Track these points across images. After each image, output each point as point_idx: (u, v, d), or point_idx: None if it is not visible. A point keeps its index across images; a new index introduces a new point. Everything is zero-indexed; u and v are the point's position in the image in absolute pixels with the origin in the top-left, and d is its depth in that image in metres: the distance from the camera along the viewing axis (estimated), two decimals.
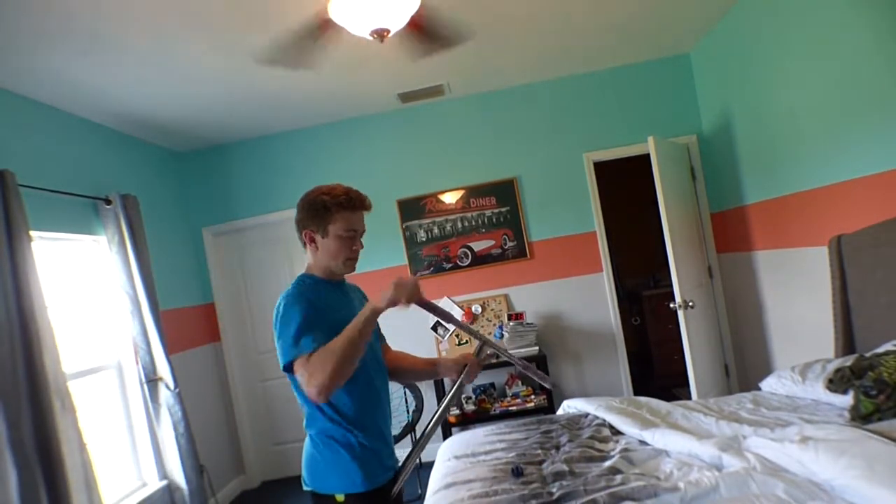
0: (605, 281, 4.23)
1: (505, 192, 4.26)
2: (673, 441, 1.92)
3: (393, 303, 1.44)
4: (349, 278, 1.75)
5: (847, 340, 2.52)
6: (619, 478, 1.72)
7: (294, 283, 1.59)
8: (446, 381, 4.13)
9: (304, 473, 1.60)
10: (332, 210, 1.56)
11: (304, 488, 1.60)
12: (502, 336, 4.00)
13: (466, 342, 4.16)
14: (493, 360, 3.77)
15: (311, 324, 1.45)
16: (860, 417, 1.81)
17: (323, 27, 2.36)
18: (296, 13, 2.45)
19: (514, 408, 3.89)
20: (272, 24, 2.60)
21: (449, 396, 1.69)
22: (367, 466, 1.55)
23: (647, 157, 3.57)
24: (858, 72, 2.48)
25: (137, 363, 3.39)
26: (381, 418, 1.65)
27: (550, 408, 3.82)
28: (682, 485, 1.58)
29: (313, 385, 1.37)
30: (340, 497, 1.53)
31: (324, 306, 1.53)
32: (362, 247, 1.65)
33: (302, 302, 1.50)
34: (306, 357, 1.40)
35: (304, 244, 1.65)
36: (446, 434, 3.81)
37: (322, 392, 1.37)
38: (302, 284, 1.59)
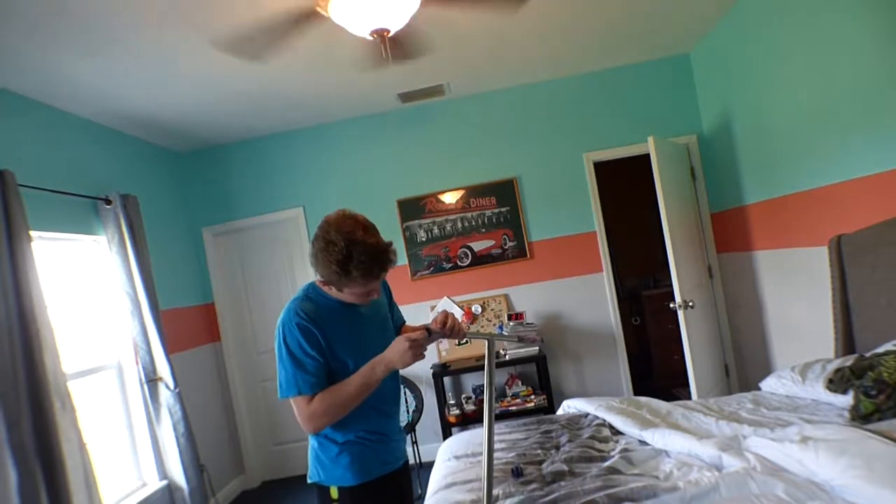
0: (605, 281, 4.23)
1: (505, 192, 4.26)
2: (673, 441, 1.92)
3: (409, 364, 1.46)
4: None
5: (847, 340, 2.52)
6: (618, 478, 1.72)
7: (296, 298, 1.56)
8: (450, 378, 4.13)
9: (309, 467, 1.65)
10: (352, 276, 1.41)
11: (308, 481, 1.65)
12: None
13: (467, 341, 4.16)
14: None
15: (302, 360, 1.48)
16: (860, 417, 1.81)
17: (308, 18, 2.34)
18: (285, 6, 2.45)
19: (514, 408, 3.89)
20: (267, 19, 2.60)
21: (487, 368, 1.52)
22: (360, 460, 1.58)
23: (647, 157, 3.57)
24: (858, 72, 2.48)
25: (137, 363, 3.39)
26: (383, 417, 1.66)
27: (550, 408, 3.83)
28: (681, 485, 1.58)
29: (312, 426, 1.49)
30: (334, 490, 1.57)
31: (326, 326, 1.51)
32: (378, 296, 1.60)
33: (296, 330, 1.48)
34: (307, 399, 1.47)
35: None
36: (446, 434, 3.81)
37: (318, 431, 1.52)
38: (305, 300, 1.54)
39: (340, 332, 1.53)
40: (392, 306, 1.85)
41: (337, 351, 1.51)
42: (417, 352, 1.44)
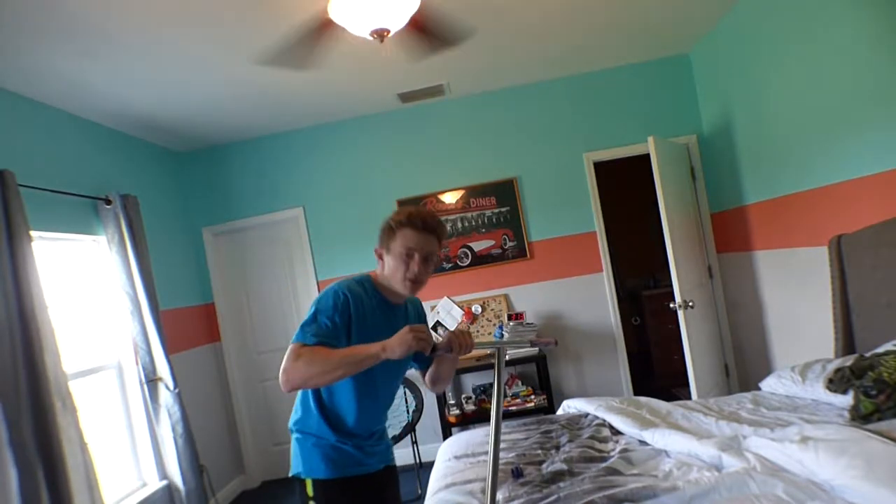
0: (605, 281, 4.23)
1: (505, 192, 4.26)
2: (673, 441, 1.92)
3: (406, 350, 1.40)
4: None
5: (847, 340, 2.52)
6: (618, 478, 1.72)
7: (354, 279, 1.62)
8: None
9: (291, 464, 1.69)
10: (395, 228, 1.58)
11: (290, 475, 1.69)
12: (502, 336, 4.00)
13: None
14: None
15: (323, 316, 1.48)
16: (860, 417, 1.81)
17: (324, 27, 2.36)
18: (296, 13, 2.45)
19: (514, 408, 3.89)
20: (273, 24, 2.60)
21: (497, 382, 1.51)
22: (336, 459, 1.60)
23: (647, 157, 3.57)
24: (858, 72, 2.48)
25: (137, 363, 3.39)
26: (373, 424, 1.67)
27: (550, 408, 3.83)
28: (681, 484, 1.58)
29: (285, 377, 1.40)
30: (309, 484, 1.61)
31: (361, 313, 1.54)
32: (422, 269, 1.57)
33: (335, 295, 1.52)
34: (299, 346, 1.43)
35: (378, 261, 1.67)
36: (446, 434, 3.81)
37: (291, 388, 1.42)
38: (358, 283, 1.60)
39: (370, 324, 1.56)
40: None
41: (355, 339, 1.52)
42: (419, 339, 1.37)
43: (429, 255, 1.58)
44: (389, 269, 1.59)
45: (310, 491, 1.60)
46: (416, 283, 1.58)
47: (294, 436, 1.67)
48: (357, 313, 1.53)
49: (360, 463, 1.63)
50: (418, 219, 1.57)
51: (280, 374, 1.41)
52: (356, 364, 1.41)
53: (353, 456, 1.62)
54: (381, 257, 1.63)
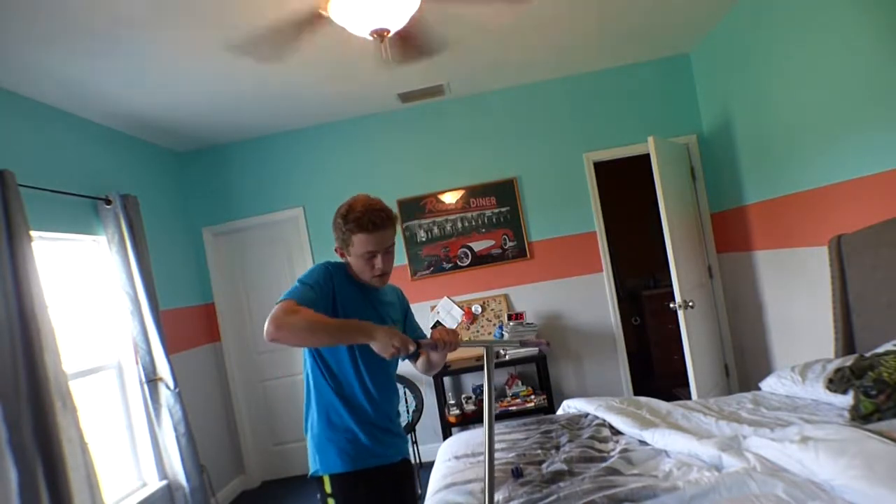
0: (605, 281, 4.23)
1: (505, 192, 4.26)
2: (673, 441, 1.92)
3: (386, 350, 1.43)
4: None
5: (847, 340, 2.52)
6: (618, 478, 1.72)
7: (332, 261, 1.68)
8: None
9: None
10: (348, 233, 1.59)
11: (308, 475, 1.68)
12: (502, 335, 4.00)
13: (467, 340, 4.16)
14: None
15: (311, 281, 1.56)
16: (860, 417, 1.81)
17: (311, 22, 2.35)
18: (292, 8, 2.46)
19: (514, 408, 3.89)
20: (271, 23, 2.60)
21: (487, 380, 1.60)
22: (351, 452, 1.60)
23: (647, 157, 3.57)
24: (858, 72, 2.48)
25: (137, 363, 3.39)
26: (384, 399, 1.69)
27: (550, 408, 3.83)
28: (681, 484, 1.58)
29: (273, 325, 1.39)
30: (327, 480, 1.61)
31: (344, 285, 1.62)
32: (386, 262, 1.64)
33: (321, 267, 1.62)
34: (293, 302, 1.46)
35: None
36: (446, 434, 3.81)
37: (275, 338, 1.40)
38: (336, 264, 1.67)
39: (351, 294, 1.63)
40: (408, 324, 1.89)
41: (339, 308, 1.59)
42: (400, 348, 1.42)
43: (389, 248, 1.64)
44: (356, 268, 1.66)
45: (328, 487, 1.60)
46: (384, 275, 1.66)
47: (309, 436, 1.67)
48: (339, 285, 1.61)
49: (375, 454, 1.64)
50: (368, 222, 1.56)
51: (267, 324, 1.39)
52: (344, 333, 1.47)
53: (368, 447, 1.62)
54: (343, 256, 1.69)
